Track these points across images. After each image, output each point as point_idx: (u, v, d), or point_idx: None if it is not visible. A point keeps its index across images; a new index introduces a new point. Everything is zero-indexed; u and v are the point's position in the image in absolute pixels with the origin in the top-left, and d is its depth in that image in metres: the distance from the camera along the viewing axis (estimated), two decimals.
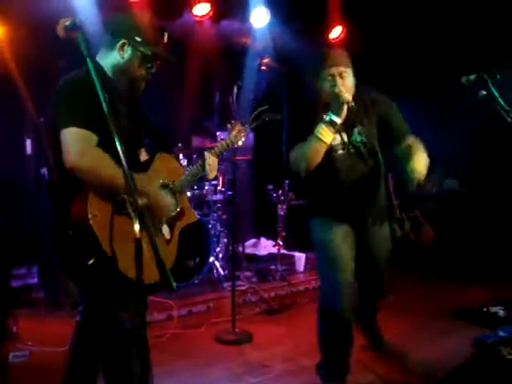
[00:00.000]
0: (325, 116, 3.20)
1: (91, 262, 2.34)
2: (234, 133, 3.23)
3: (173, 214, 2.77)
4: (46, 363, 3.86)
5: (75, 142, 2.35)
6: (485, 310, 5.05)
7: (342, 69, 3.27)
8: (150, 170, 2.71)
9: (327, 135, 3.18)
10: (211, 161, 3.00)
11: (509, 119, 3.12)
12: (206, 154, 3.02)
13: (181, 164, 5.21)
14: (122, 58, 2.60)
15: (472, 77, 3.18)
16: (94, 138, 2.39)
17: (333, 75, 3.25)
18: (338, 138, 3.34)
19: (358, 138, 3.39)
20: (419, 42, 6.49)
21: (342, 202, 3.39)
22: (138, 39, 2.58)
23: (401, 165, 3.22)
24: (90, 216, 2.30)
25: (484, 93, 3.14)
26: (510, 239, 6.07)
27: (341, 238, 3.37)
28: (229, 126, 3.28)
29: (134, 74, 2.64)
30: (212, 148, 3.10)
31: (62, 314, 4.41)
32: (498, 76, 3.18)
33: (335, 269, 3.33)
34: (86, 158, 2.34)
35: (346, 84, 3.25)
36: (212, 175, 3.03)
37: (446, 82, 3.10)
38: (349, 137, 3.38)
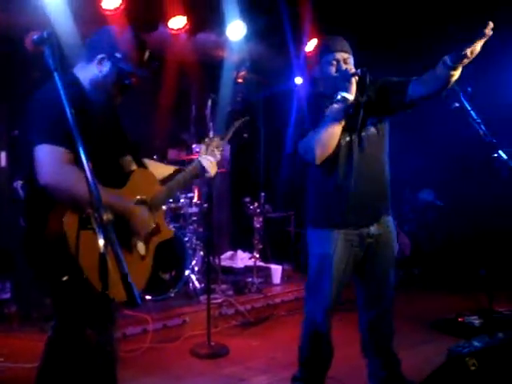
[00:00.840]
0: (335, 95, 3.13)
1: (65, 278, 2.33)
2: (211, 148, 3.24)
3: (148, 230, 2.75)
4: (17, 379, 3.82)
5: (49, 160, 2.35)
6: (460, 320, 5.08)
7: (346, 55, 3.25)
8: (127, 185, 2.69)
9: (340, 114, 3.10)
10: (210, 160, 3.09)
11: (480, 131, 3.16)
12: (203, 155, 3.11)
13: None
14: (100, 72, 2.61)
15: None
16: (69, 155, 2.37)
17: (338, 60, 3.21)
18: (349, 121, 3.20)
19: (369, 121, 3.29)
20: (393, 54, 6.56)
21: (347, 197, 3.22)
22: (118, 55, 2.59)
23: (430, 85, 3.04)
24: (66, 234, 2.29)
25: (456, 105, 3.17)
26: (485, 250, 6.13)
27: (340, 257, 3.23)
28: (206, 140, 3.28)
29: (110, 88, 2.65)
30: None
31: (35, 329, 4.35)
32: (470, 88, 3.22)
33: (329, 285, 3.24)
34: (60, 176, 2.35)
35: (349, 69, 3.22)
36: (212, 174, 3.10)
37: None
38: (357, 127, 3.26)
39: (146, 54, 2.73)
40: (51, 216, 2.36)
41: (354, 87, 3.13)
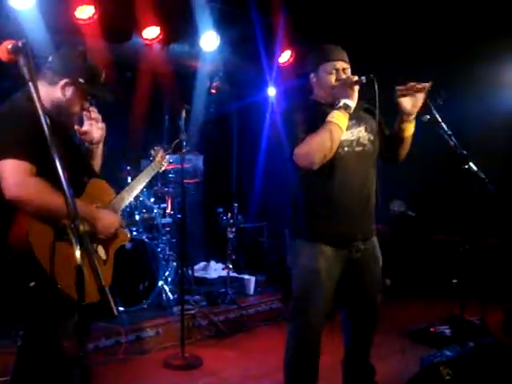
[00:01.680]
0: (336, 102, 3.10)
1: (33, 284, 2.32)
2: (157, 159, 3.29)
3: (113, 232, 2.78)
4: None
5: (14, 174, 2.34)
6: (432, 329, 5.13)
7: (345, 64, 3.23)
8: (83, 194, 2.71)
9: (343, 120, 3.05)
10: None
11: (451, 142, 3.21)
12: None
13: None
14: (64, 95, 2.64)
15: None
16: (33, 169, 2.39)
17: (337, 69, 3.19)
18: (347, 133, 3.17)
19: (365, 135, 3.27)
20: (368, 62, 6.64)
21: (338, 210, 3.15)
22: (81, 80, 2.63)
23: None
24: (30, 240, 2.29)
25: (428, 117, 3.22)
26: (455, 259, 6.20)
27: (329, 271, 3.16)
28: (152, 152, 3.33)
29: (72, 111, 2.72)
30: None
31: (6, 341, 4.28)
32: (441, 101, 3.27)
33: (320, 300, 3.17)
34: (26, 190, 2.35)
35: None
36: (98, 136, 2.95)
37: (391, 106, 3.15)
38: (356, 133, 3.24)
39: (103, 75, 2.78)
40: (15, 223, 2.37)
41: (356, 95, 3.11)
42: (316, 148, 3.01)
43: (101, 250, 2.75)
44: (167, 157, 3.43)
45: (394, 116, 3.25)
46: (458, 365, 2.77)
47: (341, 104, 3.08)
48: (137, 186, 3.24)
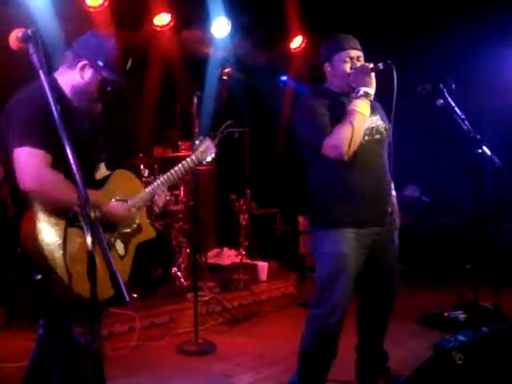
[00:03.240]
0: (356, 91, 3.13)
1: (39, 277, 2.34)
2: (201, 149, 3.21)
3: (128, 230, 2.76)
4: (5, 379, 3.79)
5: (29, 166, 2.35)
6: (446, 314, 5.13)
7: (358, 53, 3.25)
8: (105, 186, 2.70)
9: (365, 108, 3.08)
10: (162, 195, 2.98)
11: (464, 127, 3.19)
12: (160, 186, 2.97)
13: (143, 178, 5.20)
14: (82, 78, 2.62)
15: (428, 86, 3.24)
16: (49, 158, 2.39)
17: (352, 58, 3.21)
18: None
19: (381, 123, 3.30)
20: (379, 50, 6.59)
21: (361, 194, 3.18)
22: (100, 63, 2.60)
23: None
24: (39, 235, 2.31)
25: (441, 101, 3.20)
26: (469, 245, 6.17)
27: (353, 256, 3.18)
28: (197, 142, 3.25)
29: (91, 95, 2.67)
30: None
31: (23, 328, 4.32)
32: (454, 85, 3.25)
33: (346, 284, 3.17)
34: (41, 183, 2.36)
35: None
36: (157, 210, 2.98)
37: (402, 91, 3.13)
38: (374, 121, 3.27)
39: (129, 63, 2.75)
40: (25, 216, 2.38)
41: (374, 81, 3.13)
42: (345, 139, 3.03)
43: (119, 245, 2.72)
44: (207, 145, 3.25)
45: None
46: (471, 350, 2.76)
47: (361, 92, 3.11)
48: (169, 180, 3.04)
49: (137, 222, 2.81)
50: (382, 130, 3.29)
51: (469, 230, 6.24)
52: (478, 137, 3.16)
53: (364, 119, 3.09)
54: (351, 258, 3.18)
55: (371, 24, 6.29)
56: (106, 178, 2.74)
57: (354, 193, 3.19)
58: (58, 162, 2.36)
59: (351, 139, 3.03)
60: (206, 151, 3.22)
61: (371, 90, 3.12)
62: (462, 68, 5.94)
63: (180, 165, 3.08)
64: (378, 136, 3.27)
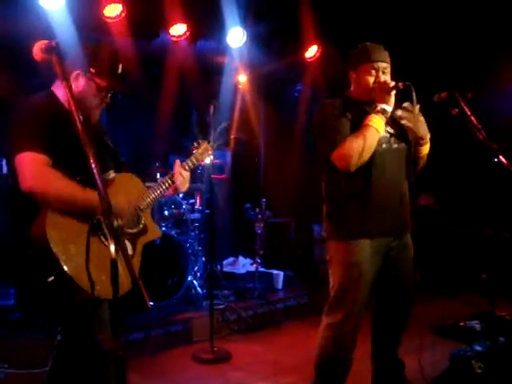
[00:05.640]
0: (374, 106, 3.15)
1: (50, 279, 2.36)
2: (199, 151, 3.28)
3: (134, 230, 2.80)
4: None
5: (30, 166, 2.40)
6: (461, 324, 5.10)
7: (385, 64, 3.26)
8: (110, 188, 2.72)
9: (380, 124, 3.10)
10: (184, 174, 3.07)
11: (480, 136, 3.18)
12: (179, 167, 3.08)
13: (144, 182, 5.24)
14: (77, 87, 2.67)
15: (443, 94, 3.25)
16: (49, 162, 2.44)
17: (377, 69, 3.22)
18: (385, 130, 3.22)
19: (401, 133, 3.32)
20: (393, 56, 6.60)
21: (377, 204, 3.20)
22: (92, 70, 2.66)
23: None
24: (48, 237, 2.33)
25: (456, 110, 3.20)
26: (486, 254, 6.15)
27: (368, 265, 3.19)
28: (195, 144, 3.33)
29: (88, 103, 2.71)
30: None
31: (39, 335, 4.35)
32: (470, 94, 3.25)
33: (362, 292, 3.19)
34: (41, 181, 2.40)
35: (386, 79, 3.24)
36: (184, 188, 3.09)
37: (418, 99, 3.15)
38: (393, 130, 3.29)
39: (119, 68, 2.79)
40: (36, 218, 2.41)
41: (393, 99, 3.17)
42: (354, 151, 3.06)
43: (127, 245, 2.75)
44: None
45: None
46: (490, 358, 2.76)
47: (378, 108, 3.14)
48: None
49: (142, 222, 2.86)
50: (401, 139, 3.31)
51: (485, 239, 6.23)
52: (494, 146, 3.16)
53: (377, 135, 3.12)
54: (365, 267, 3.19)
55: (386, 33, 6.30)
56: (110, 181, 2.78)
57: (369, 204, 3.19)
58: (61, 169, 2.43)
59: (361, 153, 3.06)
60: (204, 153, 3.30)
61: (389, 108, 3.15)
62: (477, 75, 5.95)
63: (185, 163, 3.17)
64: (396, 145, 3.29)
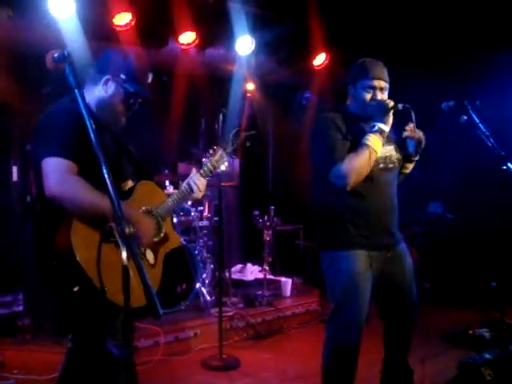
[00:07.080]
0: (371, 125, 3.16)
1: (76, 289, 2.37)
2: (215, 158, 3.28)
3: (156, 239, 2.81)
4: None
5: (54, 172, 2.42)
6: (470, 332, 5.08)
7: (383, 83, 3.25)
8: (131, 196, 2.75)
9: (378, 144, 3.10)
10: (199, 182, 3.08)
11: (489, 143, 3.19)
12: (195, 175, 3.09)
13: (165, 189, 5.25)
14: (106, 92, 2.70)
15: (451, 103, 3.25)
16: (75, 167, 2.46)
17: (374, 87, 3.21)
18: (382, 150, 3.22)
19: (395, 154, 3.34)
20: (402, 65, 6.60)
21: (374, 221, 3.23)
22: (123, 76, 2.68)
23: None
24: (73, 246, 2.34)
25: (465, 118, 3.21)
26: (495, 262, 6.13)
27: (366, 274, 3.19)
28: (211, 151, 3.33)
29: (115, 109, 2.74)
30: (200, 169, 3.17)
31: (48, 341, 4.37)
32: (478, 101, 3.26)
33: (361, 300, 3.19)
34: (65, 187, 2.41)
35: (384, 99, 3.24)
36: (200, 195, 3.10)
37: (426, 107, 3.16)
38: (389, 149, 3.31)
39: (149, 76, 2.82)
40: (60, 228, 2.42)
41: (391, 120, 3.17)
42: (352, 171, 3.08)
43: (149, 254, 2.77)
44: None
45: None
46: (499, 366, 2.75)
47: (376, 128, 3.14)
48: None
49: (163, 230, 2.86)
50: (395, 159, 3.33)
51: (494, 247, 6.21)
52: (503, 153, 3.16)
53: (374, 155, 3.12)
54: (363, 275, 3.19)
55: (394, 41, 6.32)
56: (131, 189, 2.80)
57: (366, 218, 3.21)
58: (86, 175, 2.43)
59: (358, 173, 3.09)
60: (219, 160, 3.29)
61: (386, 128, 3.15)
62: (486, 83, 5.94)
63: (201, 171, 3.17)
64: (391, 165, 3.31)
